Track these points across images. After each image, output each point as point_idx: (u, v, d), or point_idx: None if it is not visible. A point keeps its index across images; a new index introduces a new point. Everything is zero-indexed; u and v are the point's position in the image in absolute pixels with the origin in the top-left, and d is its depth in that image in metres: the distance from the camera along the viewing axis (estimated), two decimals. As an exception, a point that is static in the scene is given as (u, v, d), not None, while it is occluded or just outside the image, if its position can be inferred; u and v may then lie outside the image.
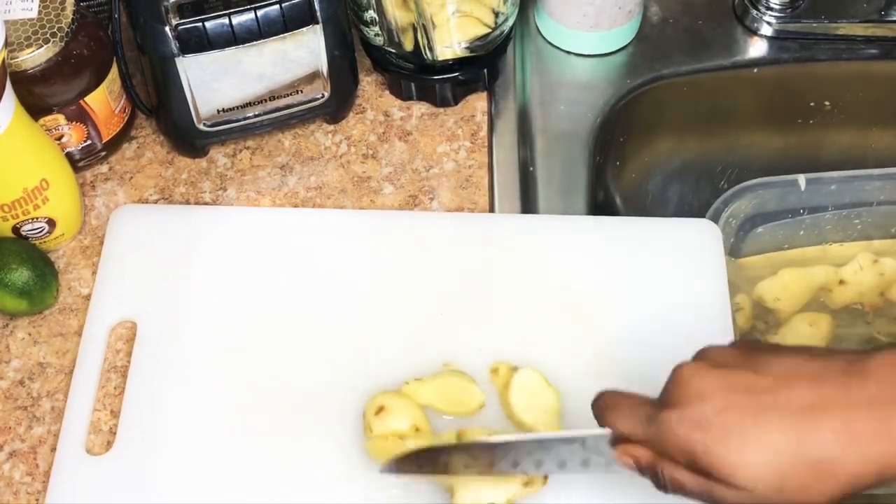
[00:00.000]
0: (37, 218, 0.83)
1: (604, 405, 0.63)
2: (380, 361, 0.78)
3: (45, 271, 0.81)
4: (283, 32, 0.82)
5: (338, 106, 0.91)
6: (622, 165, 1.00)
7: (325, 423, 0.76)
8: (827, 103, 1.00)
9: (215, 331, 0.80)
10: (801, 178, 0.85)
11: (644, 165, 1.03)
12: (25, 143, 0.79)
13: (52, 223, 0.84)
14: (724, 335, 0.77)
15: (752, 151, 1.04)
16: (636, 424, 0.60)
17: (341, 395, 0.76)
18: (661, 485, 0.60)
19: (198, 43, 0.81)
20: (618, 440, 0.62)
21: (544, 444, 0.65)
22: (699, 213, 0.85)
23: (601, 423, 0.63)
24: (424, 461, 0.69)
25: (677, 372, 0.59)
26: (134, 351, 0.79)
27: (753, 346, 0.62)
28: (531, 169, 0.91)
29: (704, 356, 0.60)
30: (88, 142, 0.88)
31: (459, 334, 0.79)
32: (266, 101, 0.87)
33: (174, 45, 0.81)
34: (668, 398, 0.59)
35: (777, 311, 0.88)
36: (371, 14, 0.87)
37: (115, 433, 0.76)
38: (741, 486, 0.56)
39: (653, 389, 0.62)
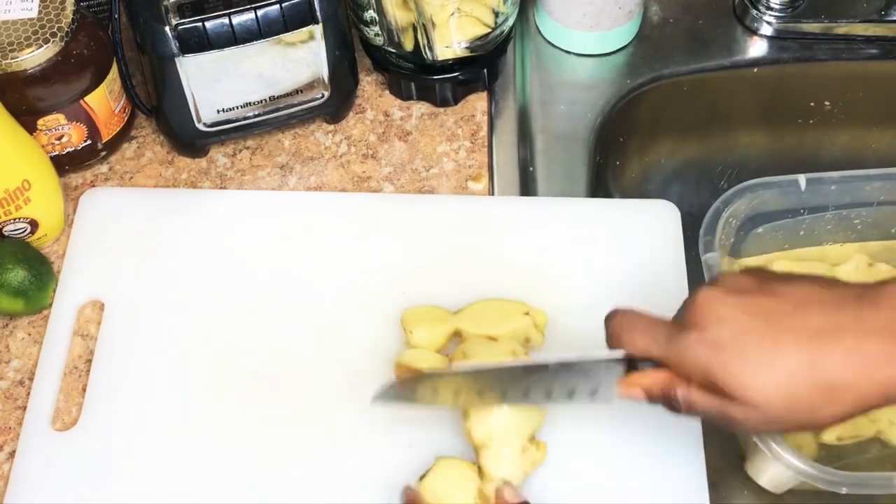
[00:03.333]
0: (18, 219, 0.82)
1: (618, 325, 0.64)
2: (346, 341, 0.79)
3: (41, 271, 0.81)
4: (283, 32, 0.82)
5: (338, 106, 0.91)
6: (622, 165, 1.00)
7: (293, 403, 0.76)
8: (827, 103, 1.00)
9: (183, 310, 0.81)
10: (802, 178, 0.84)
11: (644, 165, 1.03)
12: (7, 144, 0.79)
13: (34, 224, 0.83)
14: (680, 296, 0.78)
15: (752, 151, 1.04)
16: (652, 343, 0.62)
17: (308, 376, 0.77)
18: (674, 407, 0.62)
19: (198, 43, 0.80)
20: (630, 363, 0.64)
21: (554, 370, 0.66)
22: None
23: (614, 345, 0.65)
24: (420, 387, 0.69)
25: (698, 296, 0.61)
26: (101, 330, 0.80)
27: (768, 274, 0.64)
28: (531, 169, 0.91)
29: (722, 282, 0.62)
30: (88, 142, 0.88)
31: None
32: (266, 101, 0.87)
33: (174, 45, 0.81)
34: (688, 320, 0.61)
35: None
36: (371, 14, 0.87)
37: (80, 409, 0.77)
38: (753, 405, 0.58)
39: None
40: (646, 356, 0.63)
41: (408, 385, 0.69)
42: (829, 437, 0.82)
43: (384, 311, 0.80)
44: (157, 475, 0.74)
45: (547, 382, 0.66)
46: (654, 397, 0.63)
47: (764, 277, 0.62)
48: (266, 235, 0.85)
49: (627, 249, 0.83)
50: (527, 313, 0.76)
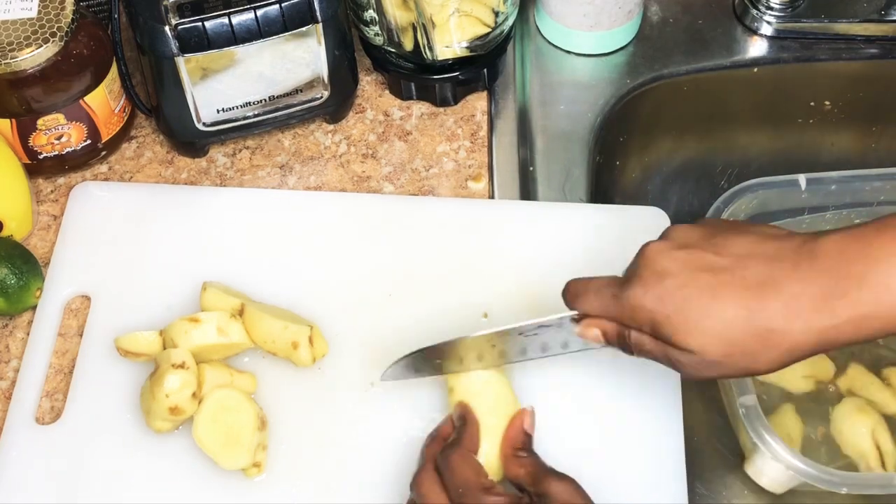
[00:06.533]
0: None
1: (573, 293, 0.69)
2: (331, 340, 0.79)
3: (23, 270, 0.80)
4: (282, 32, 0.82)
5: (338, 106, 0.91)
6: (622, 165, 1.00)
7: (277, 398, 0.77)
8: (827, 103, 1.00)
9: (166, 306, 0.81)
10: (802, 178, 0.85)
11: (644, 165, 1.03)
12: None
13: None
14: None
15: (752, 151, 1.04)
16: (603, 304, 0.67)
17: (292, 372, 0.77)
18: (628, 349, 0.67)
19: (198, 43, 0.80)
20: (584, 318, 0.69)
21: (525, 331, 0.71)
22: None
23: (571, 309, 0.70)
24: (420, 363, 0.73)
25: (644, 250, 0.66)
26: (86, 324, 0.80)
27: (716, 225, 0.67)
28: (531, 169, 0.91)
29: (670, 236, 0.66)
30: (88, 141, 0.88)
31: (408, 315, 0.80)
32: (266, 100, 0.87)
33: (174, 45, 0.81)
34: (635, 275, 0.65)
35: None
36: (371, 14, 0.87)
37: (64, 404, 0.77)
38: (694, 351, 0.62)
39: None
40: (601, 316, 0.67)
41: (410, 362, 0.73)
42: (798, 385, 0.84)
43: (373, 316, 0.80)
44: (135, 471, 0.74)
45: (520, 342, 0.72)
46: (610, 339, 0.68)
47: (710, 231, 0.66)
48: (256, 233, 0.85)
49: (613, 256, 0.82)
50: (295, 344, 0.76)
